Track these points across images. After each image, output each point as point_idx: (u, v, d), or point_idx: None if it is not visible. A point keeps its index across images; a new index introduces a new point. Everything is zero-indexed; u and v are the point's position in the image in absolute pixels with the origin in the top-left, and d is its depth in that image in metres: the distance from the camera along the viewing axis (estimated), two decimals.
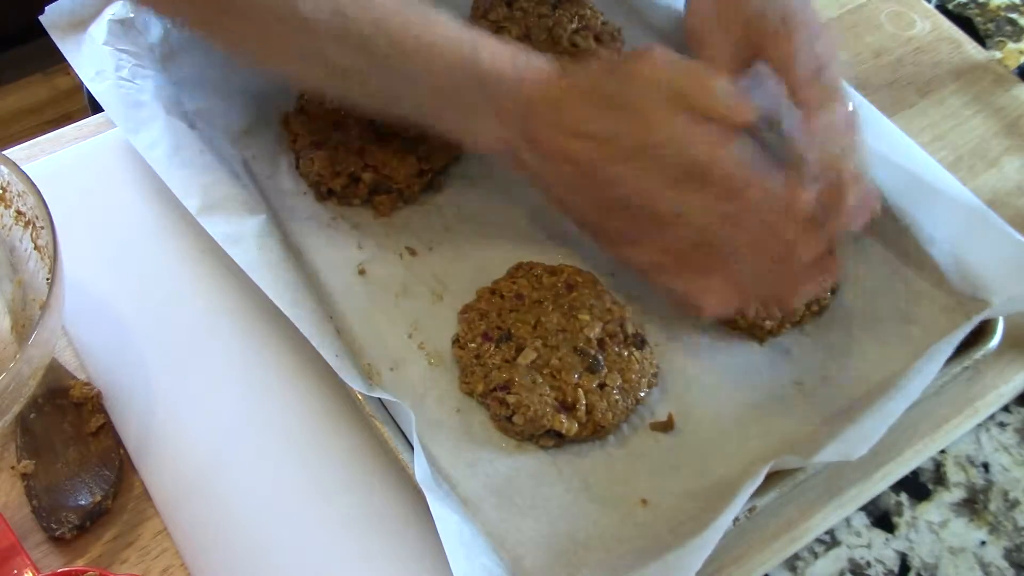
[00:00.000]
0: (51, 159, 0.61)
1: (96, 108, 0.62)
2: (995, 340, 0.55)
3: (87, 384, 0.51)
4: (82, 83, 0.61)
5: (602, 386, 0.52)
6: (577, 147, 0.48)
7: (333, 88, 0.53)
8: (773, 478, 0.49)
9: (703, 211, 0.47)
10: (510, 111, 0.49)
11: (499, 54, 0.49)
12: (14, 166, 0.50)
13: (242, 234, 0.54)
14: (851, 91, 0.70)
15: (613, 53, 0.67)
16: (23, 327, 0.52)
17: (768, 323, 0.55)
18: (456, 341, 0.54)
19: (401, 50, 0.48)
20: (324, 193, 0.60)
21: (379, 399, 0.50)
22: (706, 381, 0.54)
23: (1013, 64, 0.74)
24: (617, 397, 0.51)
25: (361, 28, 0.48)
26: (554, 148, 0.49)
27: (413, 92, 0.50)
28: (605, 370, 0.52)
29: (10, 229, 0.52)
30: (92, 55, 0.60)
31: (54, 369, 0.52)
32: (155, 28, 0.63)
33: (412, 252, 0.59)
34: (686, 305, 0.51)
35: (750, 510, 0.48)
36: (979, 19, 0.78)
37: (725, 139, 0.46)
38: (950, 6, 0.78)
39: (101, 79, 0.59)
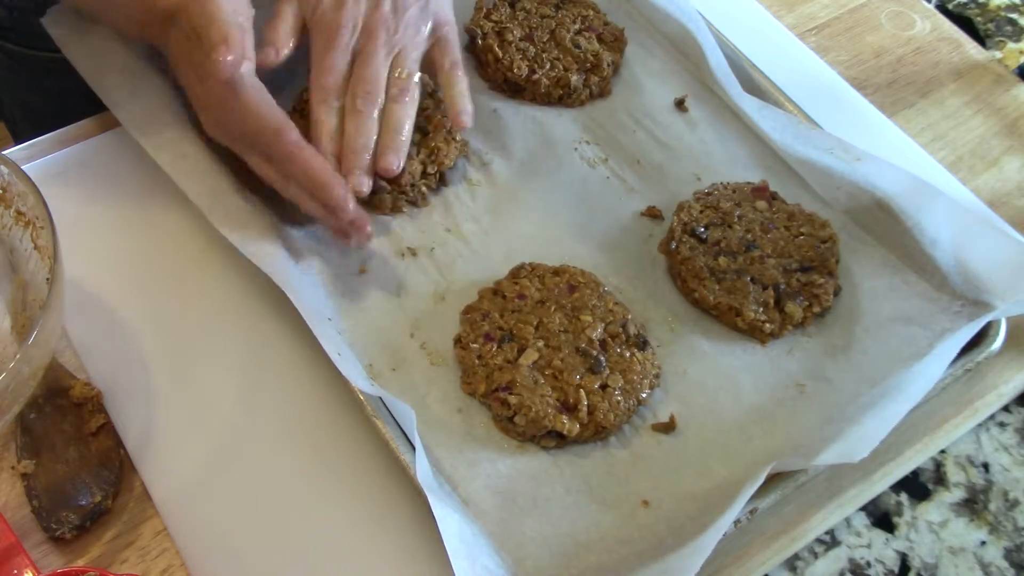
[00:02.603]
0: (51, 159, 0.61)
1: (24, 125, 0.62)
2: (998, 342, 0.55)
3: (87, 384, 0.51)
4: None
5: (604, 387, 0.52)
6: None
7: None
8: (775, 480, 0.49)
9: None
10: None
11: None
12: (14, 166, 0.50)
13: (246, 232, 0.54)
14: (851, 91, 0.70)
15: (617, 56, 0.68)
16: (23, 327, 0.52)
17: (769, 325, 0.55)
18: (458, 341, 0.54)
19: None
20: None
21: (380, 399, 0.50)
22: (708, 382, 0.54)
23: (1013, 64, 0.74)
24: (619, 398, 0.51)
25: None
26: None
27: None
28: (607, 371, 0.52)
29: (10, 229, 0.52)
30: (95, 57, 0.60)
31: (54, 369, 0.51)
32: None
33: (413, 252, 0.59)
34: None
35: (751, 512, 0.48)
36: (979, 19, 0.78)
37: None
38: (950, 6, 0.79)
39: (105, 79, 0.59)
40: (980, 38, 0.76)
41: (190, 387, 0.53)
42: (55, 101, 0.62)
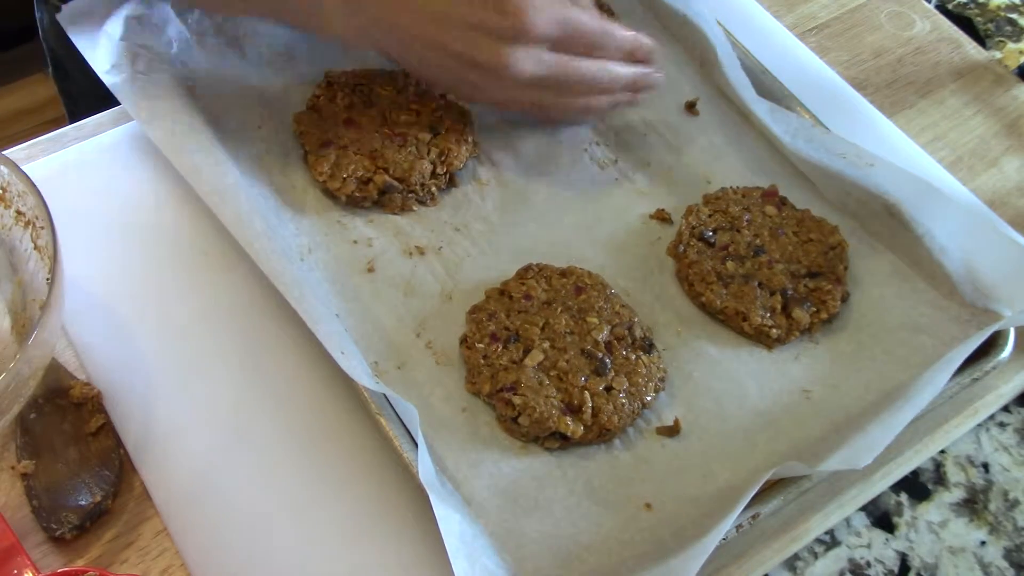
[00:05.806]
0: (51, 159, 0.61)
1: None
2: (1007, 351, 0.55)
3: (87, 384, 0.51)
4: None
5: (609, 389, 0.51)
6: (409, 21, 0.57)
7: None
8: (778, 485, 0.49)
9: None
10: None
11: None
12: (14, 166, 0.50)
13: (252, 228, 0.54)
14: (851, 91, 0.70)
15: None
16: (23, 327, 0.52)
17: (776, 331, 0.55)
18: (464, 341, 0.54)
19: None
20: (334, 192, 0.60)
21: (385, 397, 0.50)
22: (714, 387, 0.54)
23: (1013, 64, 0.74)
24: (623, 400, 0.51)
25: None
26: (402, 26, 0.57)
27: None
28: (612, 373, 0.52)
29: (10, 229, 0.52)
30: (108, 50, 0.60)
31: (54, 369, 0.51)
32: (172, 25, 0.63)
33: (421, 251, 0.59)
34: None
35: (753, 517, 0.48)
36: (979, 19, 0.78)
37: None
38: (950, 6, 0.79)
39: (116, 72, 0.59)
40: (980, 38, 0.76)
41: (190, 387, 0.53)
42: None
